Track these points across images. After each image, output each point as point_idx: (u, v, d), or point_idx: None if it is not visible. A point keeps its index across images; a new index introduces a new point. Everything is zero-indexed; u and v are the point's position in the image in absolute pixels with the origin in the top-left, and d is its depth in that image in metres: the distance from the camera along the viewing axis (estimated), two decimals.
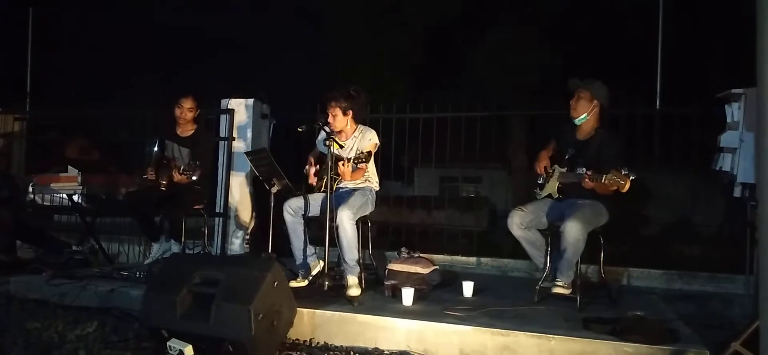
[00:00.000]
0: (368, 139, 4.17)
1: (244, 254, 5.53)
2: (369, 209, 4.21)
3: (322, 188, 4.14)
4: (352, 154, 4.02)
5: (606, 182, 3.39)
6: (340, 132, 4.17)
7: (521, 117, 10.95)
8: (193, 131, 4.95)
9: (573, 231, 3.57)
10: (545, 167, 4.09)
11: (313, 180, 4.28)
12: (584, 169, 3.62)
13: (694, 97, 5.25)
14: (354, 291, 3.87)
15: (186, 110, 4.84)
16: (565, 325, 3.20)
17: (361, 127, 4.27)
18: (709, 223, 7.50)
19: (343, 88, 4.20)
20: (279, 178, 4.24)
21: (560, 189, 3.91)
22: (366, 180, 4.24)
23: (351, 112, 4.17)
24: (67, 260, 4.88)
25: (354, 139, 4.21)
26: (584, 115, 3.89)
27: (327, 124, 4.10)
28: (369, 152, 3.99)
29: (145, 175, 4.75)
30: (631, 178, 3.33)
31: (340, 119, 4.16)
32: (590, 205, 3.73)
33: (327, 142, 3.91)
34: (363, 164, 3.97)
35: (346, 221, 3.87)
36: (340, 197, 4.09)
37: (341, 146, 4.10)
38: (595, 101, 3.89)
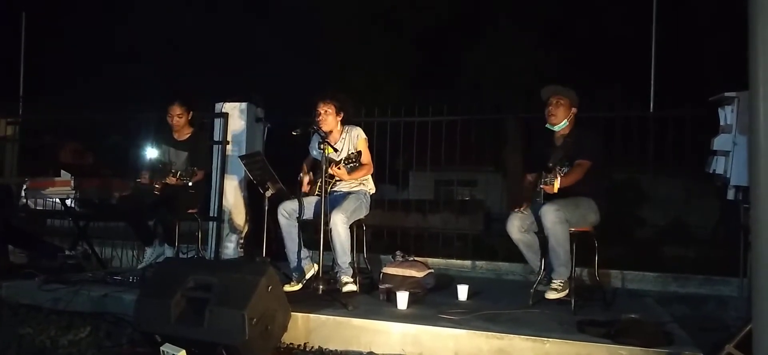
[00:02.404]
0: (356, 136, 4.20)
1: (238, 258, 5.51)
2: (363, 213, 4.21)
3: (317, 192, 4.14)
4: (344, 156, 4.03)
5: (549, 184, 3.46)
6: (329, 133, 4.17)
7: (516, 119, 10.98)
8: (189, 134, 4.95)
9: (548, 215, 3.62)
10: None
11: (306, 189, 4.28)
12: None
13: (687, 101, 5.27)
14: (350, 287, 3.91)
15: (175, 117, 4.84)
16: (559, 328, 3.20)
17: (346, 127, 4.29)
18: (703, 225, 7.52)
19: (333, 93, 4.24)
20: (273, 181, 4.23)
21: (545, 195, 3.92)
22: (361, 183, 4.24)
23: (343, 114, 4.21)
24: (59, 264, 4.85)
25: (343, 140, 4.23)
26: (564, 122, 3.94)
27: (320, 128, 4.10)
28: (359, 152, 3.99)
29: (140, 178, 4.73)
30: (557, 177, 3.42)
31: (332, 118, 4.17)
32: (573, 198, 3.74)
33: (321, 146, 3.90)
34: (360, 163, 3.98)
35: (340, 224, 3.88)
36: (334, 200, 4.08)
37: (335, 150, 4.10)
38: (573, 108, 3.95)
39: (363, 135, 4.24)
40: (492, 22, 12.08)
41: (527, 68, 10.96)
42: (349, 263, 4.03)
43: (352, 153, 3.95)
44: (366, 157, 4.13)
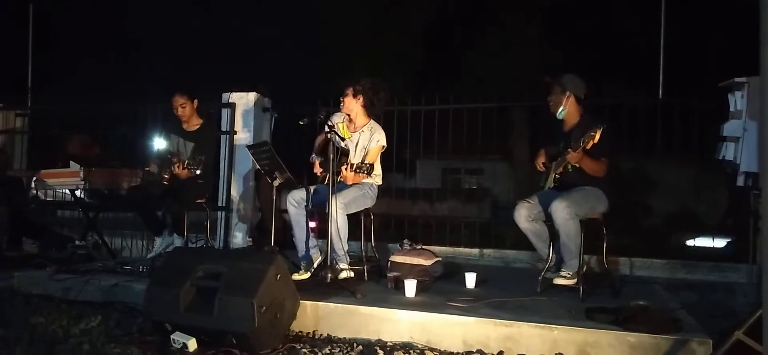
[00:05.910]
0: (375, 140, 4.15)
1: (246, 248, 5.54)
2: (368, 204, 4.20)
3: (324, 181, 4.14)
4: (356, 150, 4.05)
5: (583, 145, 3.50)
6: (347, 116, 4.21)
7: (522, 108, 10.96)
8: (199, 125, 4.97)
9: (559, 212, 3.65)
10: (544, 163, 4.14)
11: (318, 170, 4.26)
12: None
13: (696, 87, 5.23)
14: (345, 274, 3.91)
15: (178, 107, 4.85)
16: (568, 315, 3.20)
17: (371, 123, 4.25)
18: (712, 212, 7.49)
19: (364, 77, 4.24)
20: (281, 171, 4.24)
21: (557, 180, 3.93)
22: None
23: (361, 97, 4.17)
24: (70, 255, 4.90)
25: (361, 133, 4.20)
26: (562, 109, 3.98)
27: (330, 118, 4.09)
28: (372, 164, 3.92)
29: (148, 168, 4.76)
30: (600, 127, 3.44)
31: (349, 100, 4.18)
32: (581, 189, 3.76)
33: (328, 135, 3.90)
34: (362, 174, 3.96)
35: (336, 212, 3.86)
36: (339, 189, 4.07)
37: (343, 139, 4.10)
38: (568, 93, 3.96)
39: (383, 141, 4.18)
40: (497, 14, 12.03)
41: (534, 56, 10.91)
42: (347, 251, 4.01)
43: (366, 165, 3.85)
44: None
